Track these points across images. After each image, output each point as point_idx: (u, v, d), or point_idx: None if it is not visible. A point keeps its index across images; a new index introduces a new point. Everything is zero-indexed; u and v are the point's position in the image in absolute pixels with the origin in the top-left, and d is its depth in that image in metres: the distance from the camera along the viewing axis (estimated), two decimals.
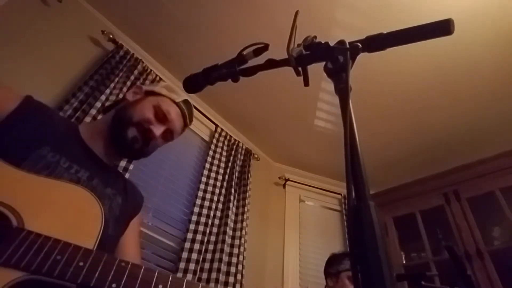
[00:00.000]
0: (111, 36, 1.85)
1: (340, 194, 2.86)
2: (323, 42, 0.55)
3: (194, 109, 1.02)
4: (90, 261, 0.52)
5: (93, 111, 1.59)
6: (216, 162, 2.20)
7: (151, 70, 2.02)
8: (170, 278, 0.54)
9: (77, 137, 0.84)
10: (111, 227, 0.79)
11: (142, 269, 0.54)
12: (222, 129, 2.40)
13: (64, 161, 0.74)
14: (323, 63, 0.52)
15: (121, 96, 1.72)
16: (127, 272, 0.52)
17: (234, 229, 2.05)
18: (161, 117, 0.89)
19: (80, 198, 0.64)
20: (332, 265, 1.58)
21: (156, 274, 0.54)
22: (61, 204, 0.62)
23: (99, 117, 1.57)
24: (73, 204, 0.63)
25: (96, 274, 0.50)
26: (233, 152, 2.35)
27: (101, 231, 0.59)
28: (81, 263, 0.51)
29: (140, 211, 0.95)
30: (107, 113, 0.94)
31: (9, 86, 0.82)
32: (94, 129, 0.88)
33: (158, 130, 0.88)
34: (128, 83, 1.83)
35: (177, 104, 0.93)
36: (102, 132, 0.87)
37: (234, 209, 2.15)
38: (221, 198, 2.10)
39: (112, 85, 1.73)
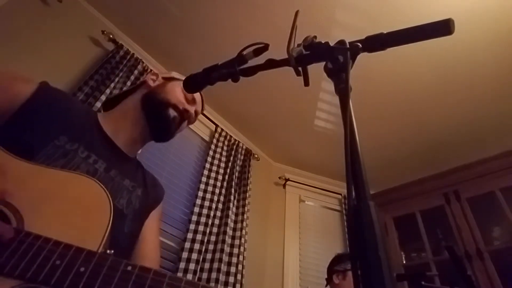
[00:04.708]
0: (111, 36, 1.86)
1: (340, 194, 2.86)
2: (323, 42, 0.55)
3: None
4: (92, 266, 0.48)
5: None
6: (216, 162, 2.20)
7: (151, 70, 2.02)
8: (182, 284, 0.49)
9: (96, 126, 0.80)
10: (128, 223, 0.75)
11: (151, 274, 0.49)
12: (222, 129, 2.40)
13: (82, 151, 0.71)
14: (323, 63, 0.52)
15: None
16: (132, 278, 0.48)
17: (234, 229, 2.06)
18: (190, 99, 0.93)
19: (90, 193, 0.58)
20: (339, 263, 1.60)
21: (167, 280, 0.49)
22: (67, 199, 0.57)
23: None
24: (80, 199, 0.58)
25: (98, 282, 0.46)
26: (233, 152, 2.35)
27: (108, 230, 0.55)
28: (82, 269, 0.47)
29: (160, 204, 0.94)
30: (122, 101, 0.92)
31: (22, 74, 0.76)
32: (117, 118, 0.86)
33: (192, 110, 0.92)
34: (128, 83, 1.83)
35: None
36: (132, 118, 0.85)
37: (234, 209, 2.15)
38: (221, 198, 2.10)
39: (112, 85, 1.74)
